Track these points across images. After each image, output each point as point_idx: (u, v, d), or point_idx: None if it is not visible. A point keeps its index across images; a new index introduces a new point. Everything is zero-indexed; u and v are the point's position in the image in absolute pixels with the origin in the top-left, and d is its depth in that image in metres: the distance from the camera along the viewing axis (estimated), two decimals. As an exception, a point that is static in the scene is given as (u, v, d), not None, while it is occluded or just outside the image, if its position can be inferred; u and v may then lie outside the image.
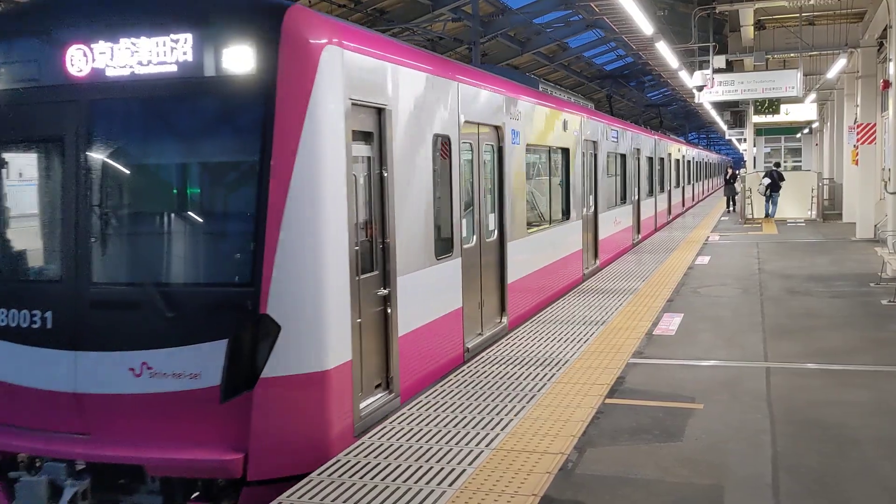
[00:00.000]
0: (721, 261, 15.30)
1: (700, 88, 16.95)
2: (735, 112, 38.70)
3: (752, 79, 17.57)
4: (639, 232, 19.86)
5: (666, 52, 15.35)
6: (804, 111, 23.34)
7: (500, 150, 9.45)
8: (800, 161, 44.39)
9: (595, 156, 14.85)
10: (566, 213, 12.83)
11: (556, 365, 7.58)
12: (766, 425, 5.82)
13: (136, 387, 5.54)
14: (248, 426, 5.34)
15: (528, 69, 28.61)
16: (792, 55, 18.43)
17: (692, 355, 7.98)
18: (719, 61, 16.62)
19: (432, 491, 4.77)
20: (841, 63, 17.57)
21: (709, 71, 16.69)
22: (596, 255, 14.84)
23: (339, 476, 5.02)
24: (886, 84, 14.84)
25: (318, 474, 5.08)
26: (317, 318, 5.49)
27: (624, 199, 18.01)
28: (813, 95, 19.54)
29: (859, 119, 18.76)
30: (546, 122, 11.53)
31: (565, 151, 12.73)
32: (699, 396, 6.55)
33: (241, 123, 5.71)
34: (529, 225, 10.61)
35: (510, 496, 4.65)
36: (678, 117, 60.56)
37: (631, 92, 42.76)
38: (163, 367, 5.49)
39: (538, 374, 7.28)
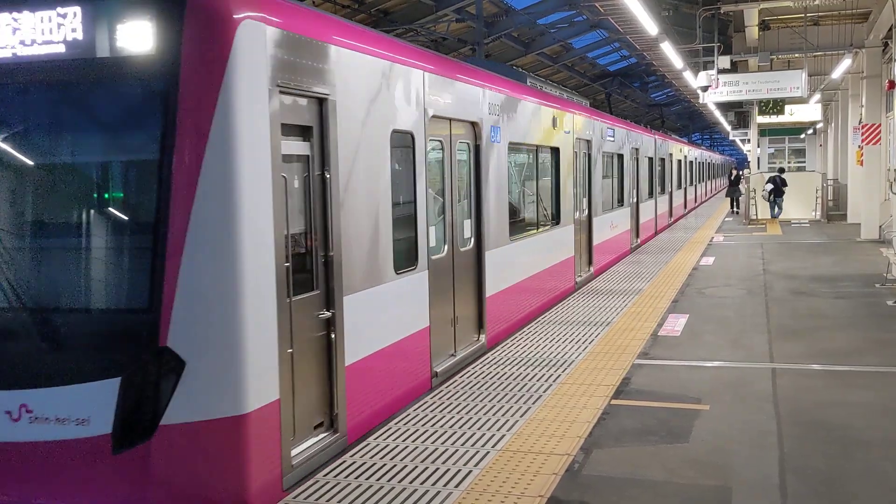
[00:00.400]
0: (726, 262, 15.28)
1: (705, 89, 16.93)
2: (739, 113, 38.69)
3: (756, 79, 17.55)
4: (637, 236, 19.04)
5: (671, 53, 15.35)
6: (809, 112, 23.36)
7: (478, 149, 8.59)
8: (804, 162, 44.37)
9: (589, 156, 13.91)
10: (556, 218, 11.93)
11: (560, 366, 7.58)
12: (772, 426, 5.82)
13: (13, 434, 4.65)
14: (147, 483, 4.49)
15: (531, 70, 28.60)
16: (796, 55, 18.41)
17: (698, 356, 7.97)
18: (724, 62, 16.60)
19: (438, 492, 4.77)
20: (846, 63, 17.58)
21: (713, 71, 16.67)
22: (590, 262, 14.03)
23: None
24: (892, 84, 14.84)
25: None
26: (232, 351, 4.50)
27: (621, 201, 17.12)
28: (817, 96, 19.53)
29: (864, 119, 18.74)
30: (533, 119, 10.65)
31: (555, 151, 11.86)
32: (705, 397, 6.54)
33: (139, 114, 4.76)
34: (513, 231, 9.80)
35: (517, 497, 4.65)
36: (682, 118, 60.51)
37: (635, 93, 42.72)
38: (45, 411, 4.59)
39: (543, 375, 7.28)
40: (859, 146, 18.78)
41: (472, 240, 8.52)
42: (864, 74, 18.85)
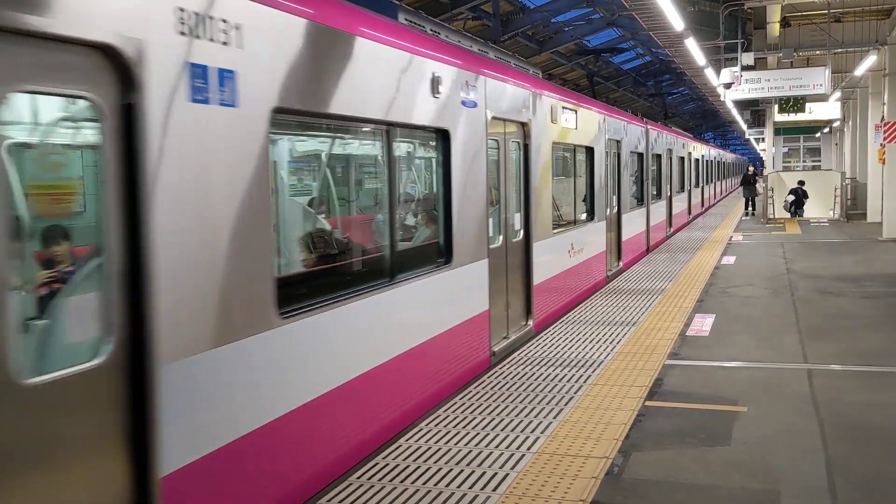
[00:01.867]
0: (747, 261, 15.11)
1: (728, 86, 16.72)
2: (755, 112, 38.39)
3: (779, 76, 17.34)
4: (619, 258, 14.47)
5: (694, 49, 15.14)
6: (827, 110, 23.12)
7: (131, 116, 3.63)
8: (819, 161, 44.05)
9: (526, 147, 9.23)
10: (443, 254, 7.03)
11: (590, 366, 7.45)
12: (813, 428, 5.67)
13: None
14: None
15: (545, 68, 28.42)
16: (817, 52, 18.19)
17: (729, 356, 7.82)
18: (748, 58, 16.39)
19: (476, 496, 4.65)
20: (871, 60, 17.35)
21: (737, 68, 16.47)
22: (528, 312, 9.28)
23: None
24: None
25: None
26: None
27: (591, 213, 12.59)
28: (838, 94, 19.33)
29: (886, 117, 18.50)
30: (369, 73, 5.74)
31: (442, 136, 6.98)
32: (741, 399, 6.40)
33: None
34: (328, 288, 5.42)
35: (557, 501, 4.53)
36: (695, 117, 60.24)
37: (648, 91, 42.45)
38: None
39: (573, 375, 7.14)
40: (881, 144, 18.56)
41: (109, 349, 3.55)
42: (887, 71, 18.60)
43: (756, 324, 9.33)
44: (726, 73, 16.31)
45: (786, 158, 41.93)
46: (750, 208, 28.60)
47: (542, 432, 5.67)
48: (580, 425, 5.80)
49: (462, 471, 5.01)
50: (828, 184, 25.78)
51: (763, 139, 47.35)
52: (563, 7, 24.22)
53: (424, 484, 4.82)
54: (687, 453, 5.24)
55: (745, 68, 16.70)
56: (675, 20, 11.72)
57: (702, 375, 7.16)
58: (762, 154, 50.81)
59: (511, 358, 7.82)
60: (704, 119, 61.97)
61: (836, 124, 34.82)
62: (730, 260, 15.26)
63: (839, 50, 17.44)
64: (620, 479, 4.86)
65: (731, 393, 6.57)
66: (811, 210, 25.71)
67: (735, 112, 34.24)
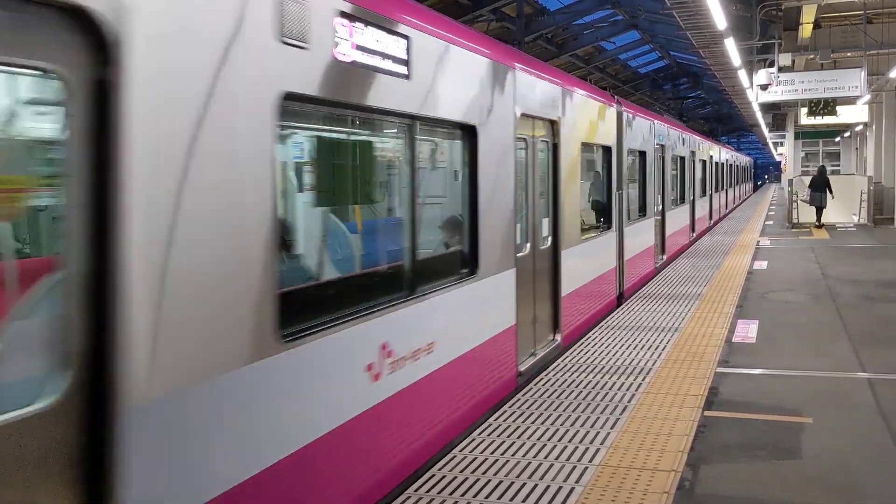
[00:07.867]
0: (780, 265, 14.82)
1: (764, 87, 16.43)
2: (776, 115, 38.01)
3: (813, 78, 17.02)
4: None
5: (732, 50, 14.82)
6: (855, 113, 22.72)
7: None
8: (838, 165, 43.58)
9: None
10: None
11: (639, 374, 7.20)
12: (888, 442, 5.41)
13: None
14: None
15: (564, 71, 28.15)
16: (849, 55, 17.89)
17: (782, 364, 7.57)
18: (784, 59, 16.11)
19: (545, 511, 4.42)
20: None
21: (774, 69, 16.19)
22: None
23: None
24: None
25: None
26: None
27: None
28: (867, 96, 18.99)
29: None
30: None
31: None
32: (805, 409, 6.15)
33: None
34: None
35: (631, 518, 4.30)
36: (709, 121, 59.92)
37: (665, 94, 42.17)
38: None
39: (623, 383, 6.90)
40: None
41: None
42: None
43: (803, 331, 9.06)
44: (763, 74, 16.03)
45: (804, 163, 41.50)
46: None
47: (601, 443, 5.44)
48: (640, 436, 5.56)
49: (524, 484, 4.78)
50: (853, 188, 25.39)
51: (780, 143, 46.97)
52: (586, 8, 23.99)
53: (487, 498, 4.60)
54: (759, 467, 5.00)
55: (783, 69, 16.40)
56: (719, 18, 11.47)
57: (757, 384, 6.91)
58: (779, 158, 50.40)
59: (556, 364, 7.59)
60: (720, 122, 61.66)
61: (858, 128, 34.36)
62: (762, 264, 14.97)
63: (875, 51, 17.11)
64: (693, 494, 4.62)
65: (792, 403, 6.32)
66: (835, 215, 25.31)
67: (759, 115, 33.83)
